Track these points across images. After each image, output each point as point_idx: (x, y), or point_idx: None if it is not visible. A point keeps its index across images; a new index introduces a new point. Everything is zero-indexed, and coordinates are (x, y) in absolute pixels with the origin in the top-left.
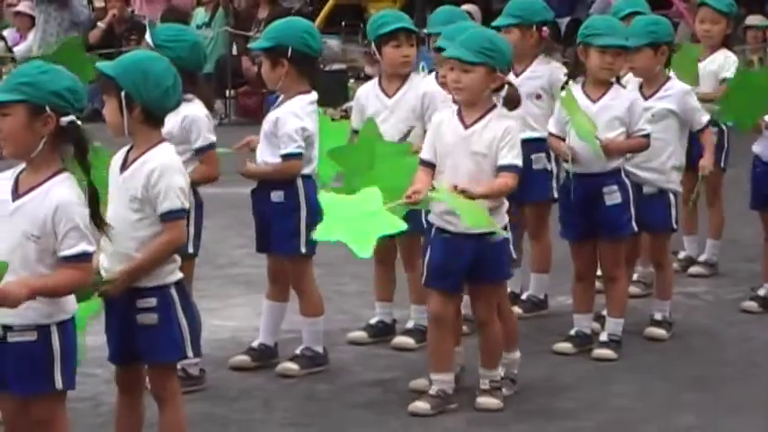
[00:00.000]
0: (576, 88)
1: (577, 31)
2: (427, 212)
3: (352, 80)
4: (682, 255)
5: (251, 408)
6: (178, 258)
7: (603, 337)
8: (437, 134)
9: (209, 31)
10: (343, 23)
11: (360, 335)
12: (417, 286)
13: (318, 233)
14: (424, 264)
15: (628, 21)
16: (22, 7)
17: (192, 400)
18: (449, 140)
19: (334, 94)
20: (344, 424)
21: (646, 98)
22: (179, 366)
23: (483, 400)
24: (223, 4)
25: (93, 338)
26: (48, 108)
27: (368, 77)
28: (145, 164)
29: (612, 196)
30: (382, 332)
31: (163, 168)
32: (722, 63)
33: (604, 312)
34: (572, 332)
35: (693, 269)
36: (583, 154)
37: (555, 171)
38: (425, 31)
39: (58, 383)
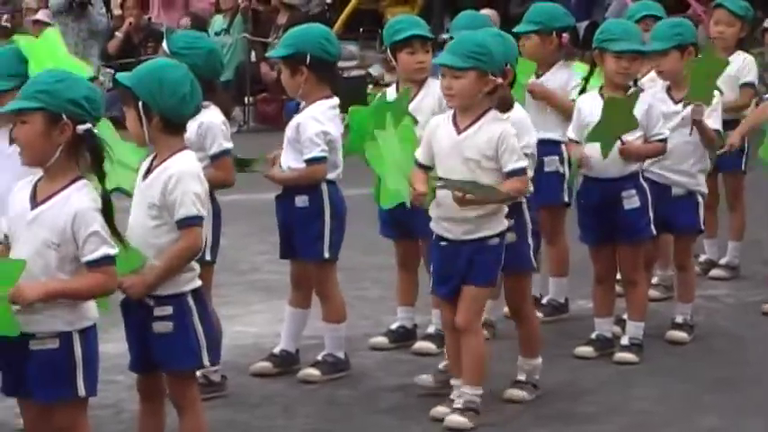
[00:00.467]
0: (593, 92)
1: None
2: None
3: (370, 86)
4: (702, 258)
5: (272, 414)
6: (196, 266)
7: (625, 340)
8: (433, 138)
9: (227, 38)
10: (361, 29)
11: (381, 340)
12: None
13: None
14: (430, 272)
15: (643, 24)
16: (40, 15)
17: (213, 406)
18: (443, 145)
19: (352, 99)
20: (366, 429)
21: (675, 102)
22: (199, 373)
23: (451, 419)
24: (242, 10)
25: (115, 345)
26: (64, 116)
27: (386, 85)
28: (164, 171)
29: (631, 200)
30: (403, 337)
31: (180, 175)
32: (741, 66)
33: (625, 316)
34: (593, 336)
35: (714, 272)
36: (600, 158)
37: (567, 174)
38: (443, 36)
39: (81, 390)
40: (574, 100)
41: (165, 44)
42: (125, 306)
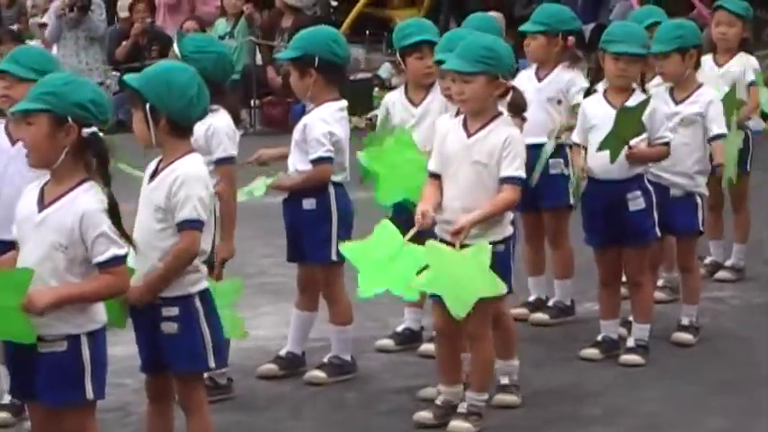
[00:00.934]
0: (597, 95)
1: (601, 37)
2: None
3: (376, 89)
4: (708, 260)
5: (279, 416)
6: (203, 268)
7: (630, 342)
8: (443, 143)
9: (231, 42)
10: (367, 32)
11: (387, 342)
12: None
13: (362, 291)
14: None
15: (651, 31)
16: (47, 19)
17: (220, 408)
18: (452, 148)
19: (359, 102)
20: (375, 431)
21: (677, 103)
22: (206, 375)
23: (455, 424)
24: (246, 14)
25: (123, 348)
26: (70, 119)
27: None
28: (170, 173)
29: (636, 202)
30: (409, 339)
31: (185, 178)
32: (743, 69)
33: (631, 318)
34: (599, 338)
35: (720, 274)
36: (604, 160)
37: (572, 177)
38: None
39: (89, 393)
40: (578, 104)
41: (175, 47)
42: (134, 308)
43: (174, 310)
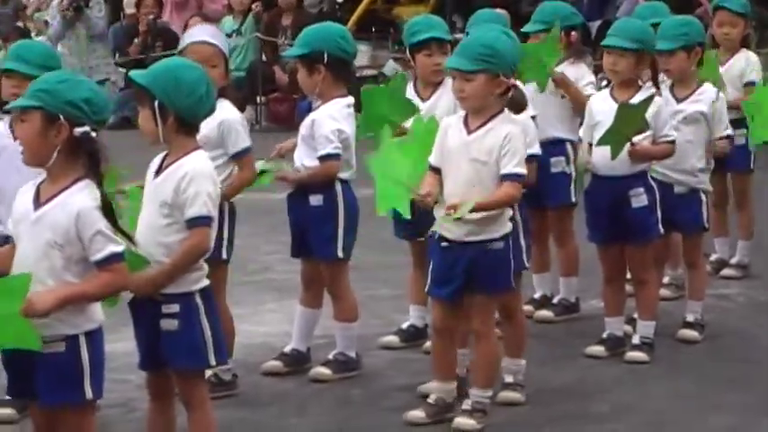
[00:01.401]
0: (605, 91)
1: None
2: None
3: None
4: (713, 257)
5: (284, 413)
6: (205, 266)
7: (636, 339)
8: (443, 138)
9: (239, 39)
10: (373, 29)
11: (392, 339)
12: None
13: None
14: (428, 271)
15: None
16: (49, 17)
17: (224, 405)
18: (452, 145)
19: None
20: (378, 428)
21: (678, 101)
22: (210, 372)
23: (459, 421)
24: (255, 12)
25: (126, 345)
26: (62, 117)
27: None
28: (177, 170)
29: (639, 199)
30: (413, 336)
31: (194, 174)
32: (743, 67)
33: (636, 315)
34: (604, 335)
35: (725, 271)
36: (608, 157)
37: (574, 175)
38: (457, 35)
39: (88, 393)
40: (589, 95)
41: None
42: (133, 304)
43: (175, 307)
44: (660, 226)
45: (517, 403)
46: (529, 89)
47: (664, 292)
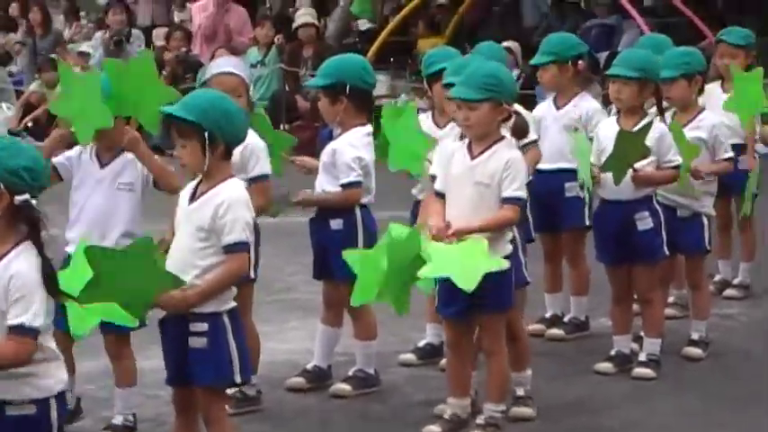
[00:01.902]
0: (612, 118)
1: None
2: None
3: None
4: (717, 278)
5: (306, 428)
6: (234, 288)
7: (642, 357)
8: (447, 164)
9: (263, 70)
10: (391, 59)
11: (409, 357)
12: None
13: (355, 299)
14: (436, 291)
15: None
16: (84, 47)
17: (249, 420)
18: (456, 171)
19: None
20: None
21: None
22: (236, 388)
23: None
24: (278, 44)
25: (157, 362)
26: (2, 185)
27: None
28: (214, 196)
29: (644, 222)
30: (430, 354)
31: (232, 201)
32: None
33: (642, 333)
34: (612, 352)
35: (728, 291)
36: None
37: (588, 199)
38: None
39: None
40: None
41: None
42: (163, 322)
43: (204, 326)
44: (665, 248)
45: (529, 418)
46: (546, 119)
47: (669, 311)
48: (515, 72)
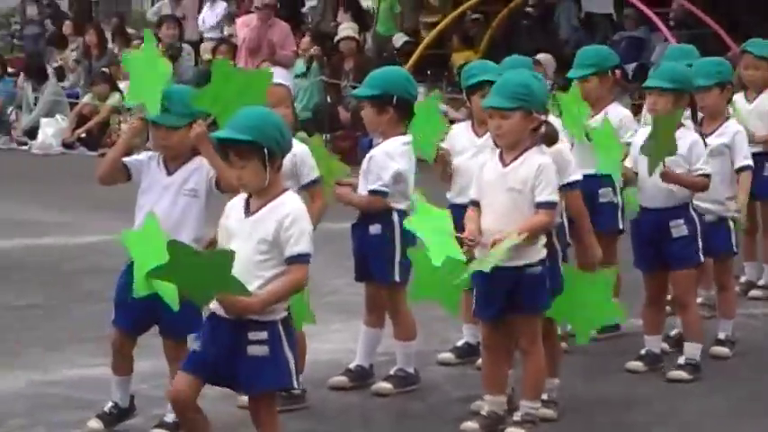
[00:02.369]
0: (648, 129)
1: (643, 75)
2: None
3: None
4: (743, 279)
5: (349, 425)
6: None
7: (681, 360)
8: (480, 173)
9: (305, 81)
10: (428, 72)
11: (448, 356)
12: None
13: (412, 295)
14: (473, 295)
15: None
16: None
17: (294, 417)
18: (489, 178)
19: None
20: None
21: (706, 135)
22: None
23: (512, 430)
24: (317, 57)
25: None
26: None
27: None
28: (277, 209)
29: (679, 229)
30: (467, 353)
31: (297, 214)
32: None
33: (672, 333)
34: (642, 352)
35: (753, 292)
36: (652, 191)
37: (621, 204)
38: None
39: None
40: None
41: None
42: (214, 327)
43: (263, 335)
44: (701, 254)
45: (550, 419)
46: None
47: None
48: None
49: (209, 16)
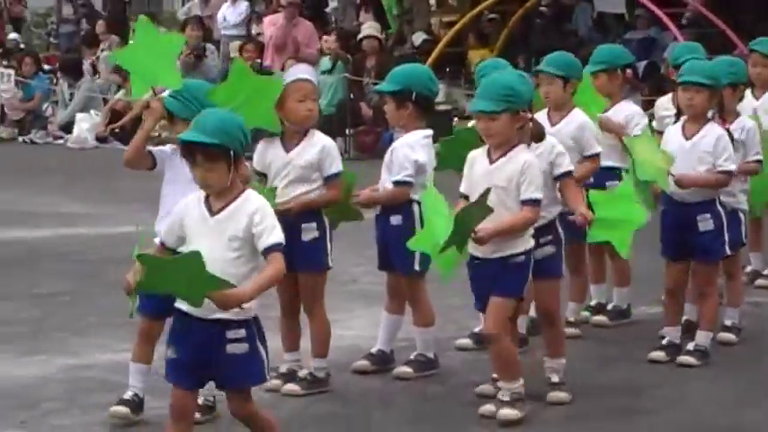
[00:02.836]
0: (677, 125)
1: (653, 72)
2: None
3: (456, 119)
4: (748, 269)
5: (371, 407)
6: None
7: (691, 346)
8: (470, 169)
9: (331, 78)
10: (447, 69)
11: (466, 342)
12: None
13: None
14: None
15: None
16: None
17: (318, 400)
18: (477, 174)
19: (439, 131)
20: (456, 421)
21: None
22: (307, 371)
23: (504, 412)
24: (341, 55)
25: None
26: None
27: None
28: (242, 206)
29: (706, 223)
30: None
31: (264, 210)
32: None
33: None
34: (664, 342)
35: (759, 281)
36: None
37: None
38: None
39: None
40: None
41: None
42: (185, 328)
43: (242, 332)
44: (727, 247)
45: (564, 402)
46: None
47: None
48: None
49: (231, 14)
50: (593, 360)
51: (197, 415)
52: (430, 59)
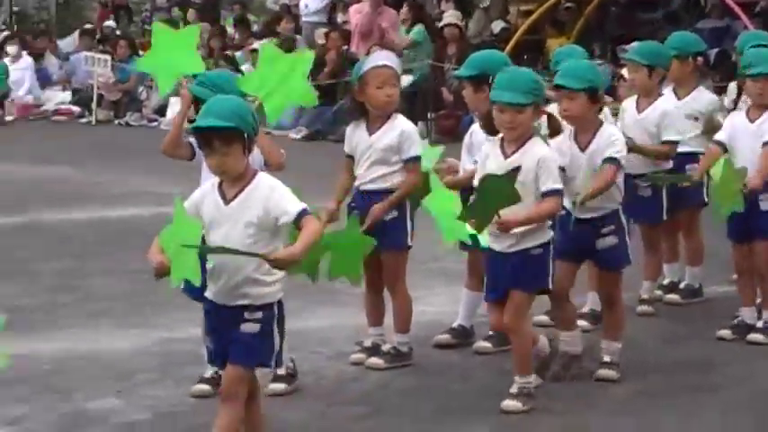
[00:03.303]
0: (740, 113)
1: (724, 60)
2: None
3: None
4: None
5: (451, 379)
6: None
7: (760, 324)
8: (483, 163)
9: (415, 64)
10: (525, 56)
11: (543, 318)
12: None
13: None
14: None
15: None
16: (256, 45)
17: (401, 373)
18: (491, 169)
19: None
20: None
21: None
22: (390, 346)
23: (506, 403)
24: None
25: (317, 322)
26: None
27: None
28: (255, 191)
29: (767, 202)
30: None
31: (275, 186)
32: None
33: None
34: (735, 321)
35: None
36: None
37: (706, 179)
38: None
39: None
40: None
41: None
42: (214, 314)
43: (258, 314)
44: None
45: (611, 380)
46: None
47: None
48: None
49: (312, 1)
50: (664, 338)
51: (282, 386)
52: (508, 47)
